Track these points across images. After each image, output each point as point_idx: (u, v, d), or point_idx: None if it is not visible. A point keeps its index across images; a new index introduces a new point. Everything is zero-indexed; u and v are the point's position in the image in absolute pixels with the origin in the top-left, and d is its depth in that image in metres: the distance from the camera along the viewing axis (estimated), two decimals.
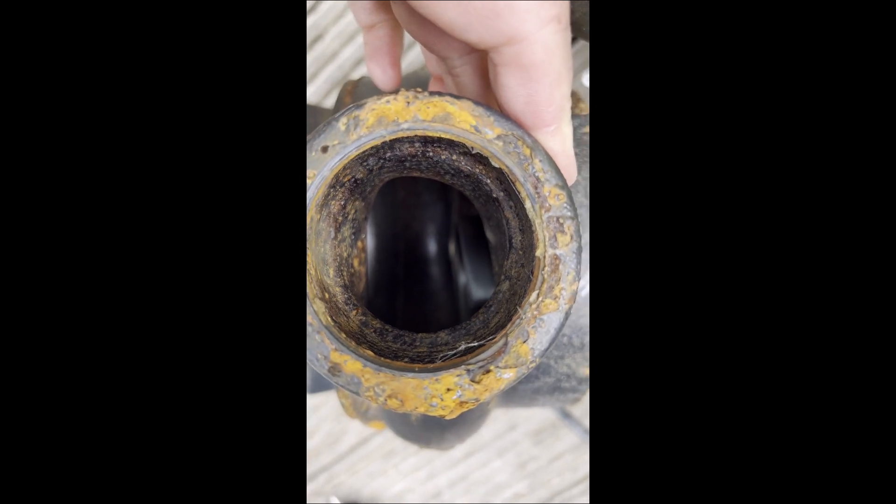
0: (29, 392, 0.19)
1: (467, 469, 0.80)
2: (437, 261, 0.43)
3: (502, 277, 0.26)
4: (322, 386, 0.58)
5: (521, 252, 0.25)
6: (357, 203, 0.26)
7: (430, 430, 0.32)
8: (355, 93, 0.30)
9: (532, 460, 0.79)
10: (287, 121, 0.19)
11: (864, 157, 0.19)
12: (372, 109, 0.19)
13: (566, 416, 0.74)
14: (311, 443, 0.81)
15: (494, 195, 0.25)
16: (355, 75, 0.63)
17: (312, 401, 0.80)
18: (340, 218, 0.24)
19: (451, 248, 0.42)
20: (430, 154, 0.23)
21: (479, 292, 0.36)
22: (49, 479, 0.19)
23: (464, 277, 0.38)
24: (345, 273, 0.25)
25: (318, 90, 0.66)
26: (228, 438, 0.19)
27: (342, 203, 0.24)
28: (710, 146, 0.20)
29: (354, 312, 0.24)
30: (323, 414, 0.80)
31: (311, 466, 0.83)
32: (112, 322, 0.19)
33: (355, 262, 0.28)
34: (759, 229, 0.19)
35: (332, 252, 0.24)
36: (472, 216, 0.39)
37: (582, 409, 0.75)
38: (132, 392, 0.19)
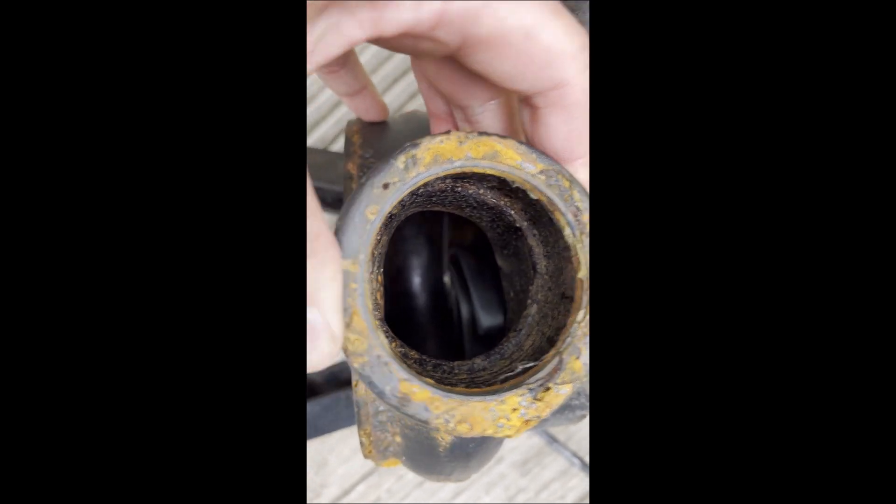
0: (27, 400, 0.18)
1: None
2: (424, 293, 0.43)
3: (529, 301, 0.27)
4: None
5: (547, 277, 0.26)
6: (384, 238, 0.26)
7: (456, 460, 0.32)
8: (363, 132, 0.30)
9: (521, 492, 0.79)
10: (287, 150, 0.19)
11: (858, 189, 0.19)
12: (428, 148, 0.20)
13: (552, 440, 0.75)
14: None
15: (517, 225, 0.26)
16: (331, 117, 0.64)
17: None
18: (376, 253, 0.24)
19: (447, 279, 0.42)
20: (459, 189, 0.24)
21: (488, 320, 0.36)
22: (47, 489, 0.19)
23: (466, 307, 0.38)
24: (377, 309, 0.25)
25: None
26: (228, 454, 0.19)
27: (378, 238, 0.24)
28: (712, 152, 0.20)
29: (394, 344, 0.24)
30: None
31: None
32: (113, 316, 0.19)
33: (378, 296, 0.28)
34: (759, 230, 0.20)
35: (369, 289, 0.24)
36: (468, 246, 0.40)
37: (567, 433, 0.76)
38: (131, 395, 0.19)
